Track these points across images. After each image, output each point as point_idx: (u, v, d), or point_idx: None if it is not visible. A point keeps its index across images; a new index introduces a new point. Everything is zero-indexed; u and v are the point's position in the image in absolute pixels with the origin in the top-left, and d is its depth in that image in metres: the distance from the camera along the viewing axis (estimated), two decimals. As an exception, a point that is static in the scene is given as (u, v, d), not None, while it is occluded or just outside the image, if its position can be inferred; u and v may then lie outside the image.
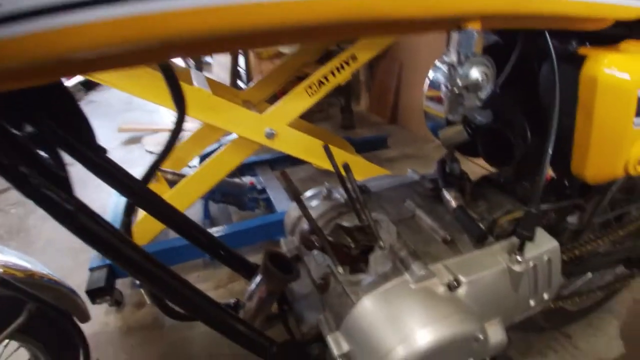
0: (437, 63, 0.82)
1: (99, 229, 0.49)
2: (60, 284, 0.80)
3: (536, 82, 0.70)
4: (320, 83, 1.79)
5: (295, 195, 0.54)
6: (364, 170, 1.95)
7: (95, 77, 1.51)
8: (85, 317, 0.90)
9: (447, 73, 0.54)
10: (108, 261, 1.55)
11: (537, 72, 0.69)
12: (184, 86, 1.54)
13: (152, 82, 1.50)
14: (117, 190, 0.68)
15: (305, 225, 0.64)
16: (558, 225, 0.88)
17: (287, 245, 0.83)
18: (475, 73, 0.53)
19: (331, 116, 3.74)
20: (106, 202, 2.07)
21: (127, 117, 4.00)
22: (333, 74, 1.80)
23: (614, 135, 0.63)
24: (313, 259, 0.75)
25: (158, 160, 0.71)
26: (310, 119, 3.34)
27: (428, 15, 0.42)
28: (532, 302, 0.76)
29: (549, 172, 0.94)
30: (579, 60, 0.61)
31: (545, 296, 0.78)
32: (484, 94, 0.55)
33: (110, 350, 1.43)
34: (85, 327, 1.46)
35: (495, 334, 0.67)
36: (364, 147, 2.74)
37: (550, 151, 0.59)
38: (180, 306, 0.60)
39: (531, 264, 0.69)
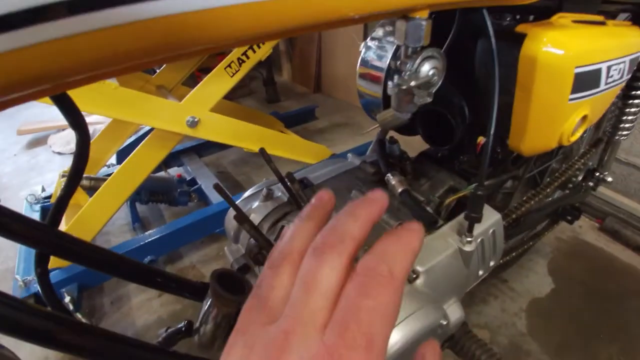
0: (369, 42, 0.78)
1: None
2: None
3: (471, 61, 0.68)
4: (241, 61, 1.67)
5: (239, 218, 0.48)
6: (298, 148, 1.90)
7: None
8: None
9: (394, 68, 0.49)
10: (33, 290, 1.38)
11: (472, 50, 0.67)
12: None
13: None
14: (20, 242, 0.55)
15: (251, 239, 0.59)
16: (493, 193, 0.90)
17: (232, 254, 0.77)
18: (426, 69, 0.49)
19: (254, 90, 3.60)
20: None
21: (26, 115, 3.53)
22: (253, 49, 1.69)
23: (551, 110, 0.63)
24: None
25: (64, 196, 0.59)
26: (232, 95, 3.18)
27: (377, 9, 0.36)
28: (480, 272, 0.79)
29: (480, 140, 0.96)
30: (517, 39, 0.60)
31: (492, 263, 0.81)
32: (434, 89, 0.52)
33: (53, 386, 1.30)
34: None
35: (455, 313, 0.69)
36: (292, 121, 2.69)
37: (492, 132, 0.58)
38: None
39: (479, 240, 0.71)
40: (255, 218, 0.76)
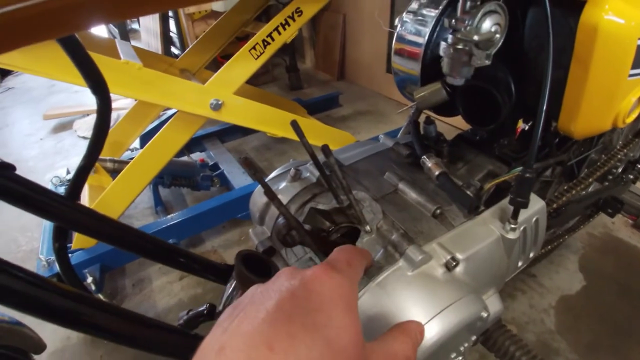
0: (405, 16, 0.74)
1: (13, 281, 0.36)
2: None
3: (519, 32, 0.63)
4: (266, 43, 1.63)
5: (270, 194, 0.45)
6: (322, 134, 1.87)
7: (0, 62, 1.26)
8: (41, 348, 0.75)
9: (449, 25, 0.44)
10: (55, 270, 1.39)
11: (521, 20, 0.62)
12: (109, 61, 1.36)
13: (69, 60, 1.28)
14: (37, 214, 0.52)
15: (279, 219, 0.56)
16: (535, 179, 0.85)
17: (257, 236, 0.74)
18: (488, 25, 0.44)
19: (277, 77, 3.57)
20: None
21: (52, 102, 3.62)
22: (278, 31, 1.65)
23: (609, 87, 0.57)
24: (291, 252, 0.67)
25: (84, 166, 0.57)
26: (255, 82, 3.16)
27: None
28: (520, 263, 0.74)
29: (519, 125, 0.90)
30: (576, 5, 0.54)
31: (531, 254, 0.76)
32: (494, 50, 0.47)
33: (78, 365, 1.30)
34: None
35: (494, 305, 0.64)
36: (316, 108, 2.65)
37: (544, 108, 0.53)
38: (133, 346, 0.49)
39: (522, 227, 0.66)
40: (282, 199, 0.72)
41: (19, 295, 0.37)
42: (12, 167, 0.50)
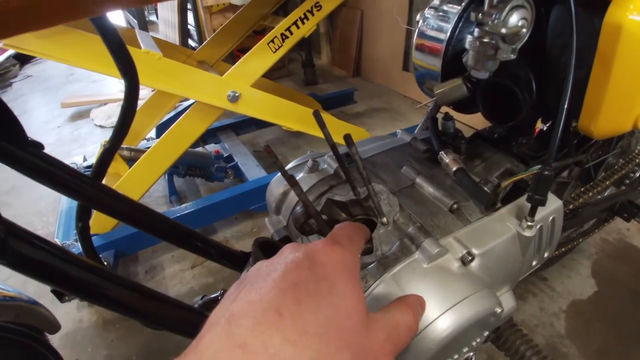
0: (427, 12, 0.74)
1: (40, 253, 0.38)
2: (17, 298, 0.67)
3: (542, 30, 0.63)
4: (284, 37, 1.64)
5: (291, 181, 0.46)
6: (337, 129, 1.87)
7: (24, 48, 1.29)
8: (55, 328, 0.78)
9: (475, 19, 0.45)
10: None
11: (544, 18, 0.61)
12: (129, 49, 1.38)
13: (93, 47, 1.31)
14: (63, 193, 0.54)
15: (297, 208, 0.57)
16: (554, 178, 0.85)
17: (273, 225, 0.75)
18: (515, 19, 0.44)
19: (292, 72, 3.58)
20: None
21: (70, 90, 3.68)
22: (297, 25, 1.66)
23: (632, 87, 0.57)
24: (307, 241, 0.68)
25: (110, 148, 0.58)
26: (270, 76, 3.18)
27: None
28: (534, 262, 0.74)
29: (537, 125, 0.90)
30: (600, 5, 0.54)
31: (546, 254, 0.76)
32: (520, 44, 0.47)
33: (89, 348, 1.33)
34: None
35: (507, 302, 0.65)
36: (330, 104, 2.66)
37: (566, 107, 0.53)
38: (150, 323, 0.51)
39: (538, 226, 0.66)
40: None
41: (49, 268, 0.39)
42: (41, 146, 0.52)
